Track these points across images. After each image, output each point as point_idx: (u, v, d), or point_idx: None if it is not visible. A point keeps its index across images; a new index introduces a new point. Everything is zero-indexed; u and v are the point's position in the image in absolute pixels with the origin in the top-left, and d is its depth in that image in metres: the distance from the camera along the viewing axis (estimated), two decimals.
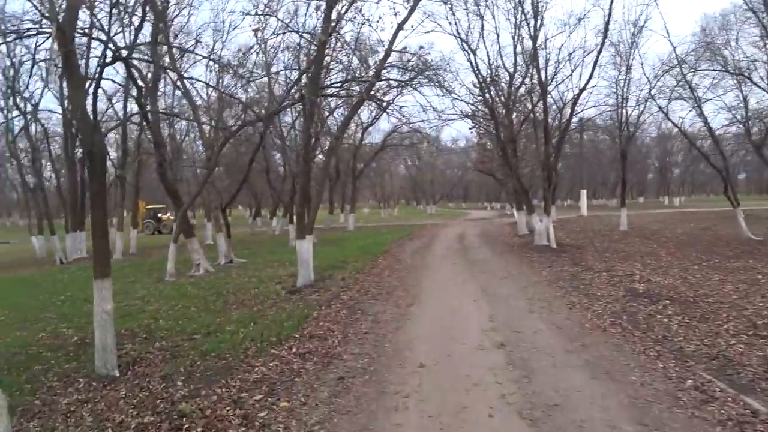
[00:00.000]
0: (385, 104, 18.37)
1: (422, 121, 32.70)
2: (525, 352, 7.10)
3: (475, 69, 21.55)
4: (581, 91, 19.52)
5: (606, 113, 29.28)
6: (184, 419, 5.44)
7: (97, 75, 7.69)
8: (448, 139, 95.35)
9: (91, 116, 7.48)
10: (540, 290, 11.62)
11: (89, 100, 7.38)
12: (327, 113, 27.94)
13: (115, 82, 25.39)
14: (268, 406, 5.69)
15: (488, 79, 21.64)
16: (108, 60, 7.84)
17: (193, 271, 17.91)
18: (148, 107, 16.79)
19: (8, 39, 16.60)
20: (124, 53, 11.73)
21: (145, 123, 18.54)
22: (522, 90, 23.15)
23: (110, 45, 10.57)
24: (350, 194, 43.55)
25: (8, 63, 24.99)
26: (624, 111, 26.02)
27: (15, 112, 26.87)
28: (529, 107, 22.68)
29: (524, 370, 6.43)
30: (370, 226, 42.69)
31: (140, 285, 16.02)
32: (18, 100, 26.46)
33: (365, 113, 38.75)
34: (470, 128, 42.93)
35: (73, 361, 7.99)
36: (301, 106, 23.51)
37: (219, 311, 11.06)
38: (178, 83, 20.27)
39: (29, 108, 27.42)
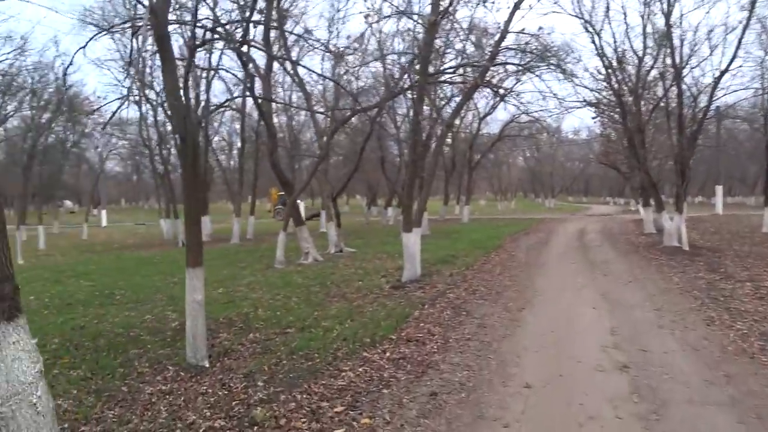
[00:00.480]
0: (501, 91, 17.25)
1: (541, 109, 31.22)
2: (653, 379, 5.93)
3: (600, 52, 19.82)
4: (722, 73, 17.33)
5: (748, 100, 26.19)
6: (255, 428, 4.92)
7: (186, 59, 7.30)
8: (569, 130, 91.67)
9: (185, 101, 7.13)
10: (671, 300, 10.21)
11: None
12: (443, 101, 27.17)
13: (228, 71, 25.94)
14: (348, 421, 5.03)
15: (614, 63, 19.85)
16: (197, 42, 7.50)
17: (301, 260, 17.83)
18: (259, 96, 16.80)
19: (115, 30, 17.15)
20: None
21: (258, 111, 18.56)
22: (652, 74, 21.12)
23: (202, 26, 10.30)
24: (466, 185, 42.41)
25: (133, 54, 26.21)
26: None
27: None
28: (660, 93, 20.62)
29: (652, 403, 5.29)
30: (485, 219, 41.46)
31: (249, 271, 16.11)
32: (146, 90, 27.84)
33: (482, 102, 37.65)
34: (593, 117, 40.73)
35: (168, 347, 7.82)
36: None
37: (318, 304, 10.64)
38: (292, 72, 20.24)
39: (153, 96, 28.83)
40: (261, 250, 22.03)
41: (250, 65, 16.95)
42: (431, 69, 14.23)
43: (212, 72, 24.73)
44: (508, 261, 16.34)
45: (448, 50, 16.00)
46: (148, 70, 26.37)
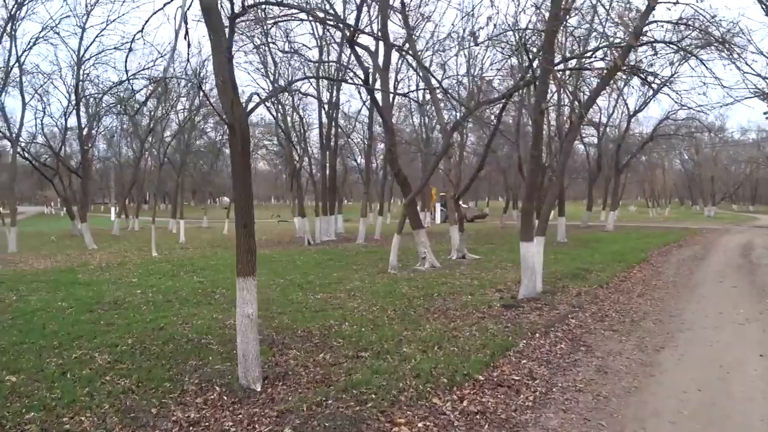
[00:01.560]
0: (650, 78, 14.75)
1: (700, 106, 27.64)
2: None
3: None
4: None
5: None
6: None
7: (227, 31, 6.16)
8: (735, 129, 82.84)
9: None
10: None
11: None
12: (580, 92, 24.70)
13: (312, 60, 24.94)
14: None
15: None
16: (237, 11, 6.33)
17: (418, 265, 16.55)
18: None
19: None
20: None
21: (374, 106, 17.46)
22: None
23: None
24: (612, 190, 38.86)
25: None
26: None
27: None
28: None
29: None
30: (633, 227, 37.75)
31: (360, 275, 15.14)
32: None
33: (632, 99, 34.29)
34: (765, 113, 35.56)
35: (229, 361, 6.89)
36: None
37: (413, 321, 9.23)
38: (414, 64, 18.94)
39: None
40: (382, 252, 20.95)
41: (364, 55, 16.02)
42: (564, 53, 12.35)
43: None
44: (653, 279, 13.91)
45: (588, 30, 13.84)
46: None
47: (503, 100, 15.41)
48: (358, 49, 16.42)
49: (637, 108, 35.16)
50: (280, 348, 7.82)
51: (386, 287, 12.77)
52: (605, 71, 11.54)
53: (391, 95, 18.20)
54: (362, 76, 16.46)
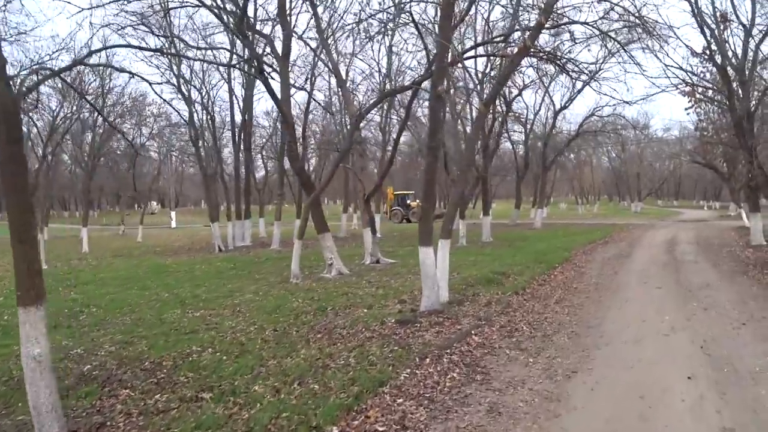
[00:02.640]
0: (569, 66, 13.66)
1: (624, 102, 27.32)
2: None
3: (695, 10, 15.53)
4: None
5: None
6: None
7: None
8: (658, 128, 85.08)
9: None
10: None
11: None
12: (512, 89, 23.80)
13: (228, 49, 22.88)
14: None
15: (719, 20, 15.62)
16: None
17: (324, 273, 15.01)
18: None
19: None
20: None
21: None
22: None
23: None
24: (540, 188, 38.30)
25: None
26: None
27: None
28: None
29: None
30: (561, 224, 37.23)
31: (257, 286, 13.74)
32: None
33: (558, 96, 33.81)
34: (686, 109, 35.73)
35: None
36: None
37: (289, 344, 7.77)
38: (322, 55, 17.35)
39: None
40: (307, 256, 19.30)
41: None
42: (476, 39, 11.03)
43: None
44: (574, 282, 12.77)
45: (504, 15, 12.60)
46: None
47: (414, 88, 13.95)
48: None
49: (563, 104, 34.61)
50: (113, 387, 6.33)
51: (278, 300, 11.28)
52: (515, 53, 10.27)
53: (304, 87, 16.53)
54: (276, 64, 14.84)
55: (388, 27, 11.48)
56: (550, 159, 36.48)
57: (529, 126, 36.53)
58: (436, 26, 11.75)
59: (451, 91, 23.03)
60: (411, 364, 6.50)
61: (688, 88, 19.70)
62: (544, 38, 15.26)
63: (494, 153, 32.46)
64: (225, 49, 21.88)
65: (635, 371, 6.28)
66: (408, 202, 47.96)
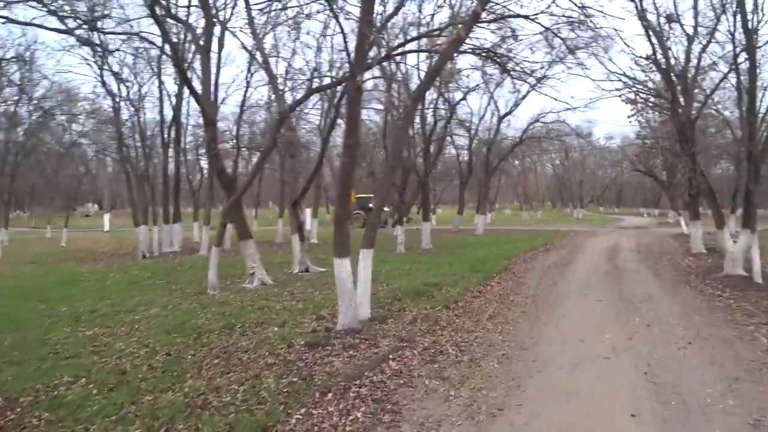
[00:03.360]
0: (510, 66, 12.88)
1: (565, 110, 27.09)
2: None
3: (640, 10, 14.94)
4: None
5: None
6: None
7: None
8: (601, 136, 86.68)
9: None
10: None
11: None
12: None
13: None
14: None
15: (663, 22, 15.11)
16: None
17: (246, 283, 13.78)
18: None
19: None
20: None
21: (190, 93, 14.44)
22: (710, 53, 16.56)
23: None
24: (483, 193, 37.75)
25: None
26: None
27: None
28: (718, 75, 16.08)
29: None
30: (504, 230, 36.68)
31: (169, 298, 12.45)
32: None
33: (502, 102, 33.40)
34: (629, 117, 35.85)
35: None
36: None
37: (179, 373, 6.66)
38: (251, 49, 16.10)
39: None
40: (223, 265, 17.93)
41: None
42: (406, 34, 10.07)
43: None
44: (511, 293, 11.91)
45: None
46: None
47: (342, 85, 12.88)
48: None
49: (507, 110, 34.16)
50: None
51: (184, 316, 10.05)
52: (447, 45, 9.33)
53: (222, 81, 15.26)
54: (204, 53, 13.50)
55: (309, 15, 10.38)
56: (493, 165, 36.01)
57: (473, 131, 36.04)
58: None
59: (395, 89, 22.17)
60: (309, 401, 5.43)
61: (631, 95, 19.36)
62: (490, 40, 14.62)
63: (437, 157, 31.73)
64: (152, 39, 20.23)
65: (571, 407, 5.36)
66: (370, 206, 46.28)
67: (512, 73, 14.12)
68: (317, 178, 19.85)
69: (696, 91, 17.65)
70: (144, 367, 6.93)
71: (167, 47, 15.10)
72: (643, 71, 18.71)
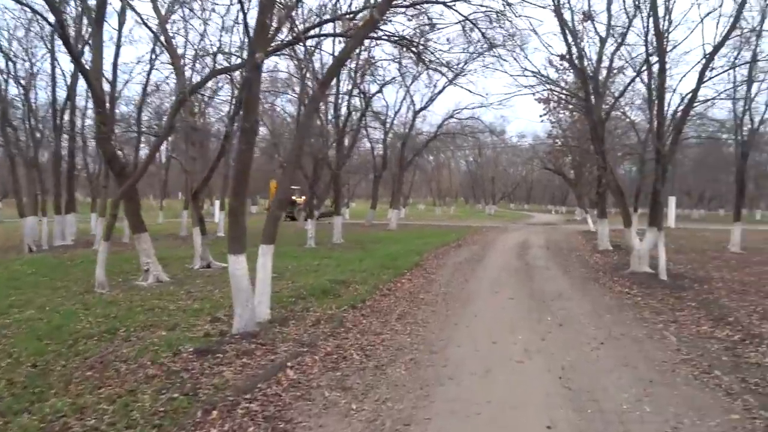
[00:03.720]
0: (425, 56, 12.43)
1: (480, 107, 26.97)
2: None
3: (557, 5, 14.86)
4: (717, 49, 12.85)
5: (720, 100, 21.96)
6: None
7: None
8: (513, 134, 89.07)
9: None
10: (686, 394, 5.56)
11: None
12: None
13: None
14: None
15: (579, 19, 15.19)
16: None
17: (140, 280, 12.73)
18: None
19: None
20: None
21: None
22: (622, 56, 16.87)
23: None
24: (396, 188, 37.51)
25: None
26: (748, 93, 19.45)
27: None
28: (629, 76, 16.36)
29: None
30: (418, 225, 36.63)
31: (52, 297, 11.26)
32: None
33: (418, 96, 33.24)
34: (541, 116, 36.67)
35: None
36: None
37: (46, 388, 5.69)
38: (155, 29, 14.92)
39: None
40: (116, 259, 16.59)
41: None
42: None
43: None
44: (422, 290, 11.50)
45: None
46: None
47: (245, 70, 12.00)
48: None
49: (423, 104, 34.02)
50: None
51: (63, 319, 8.94)
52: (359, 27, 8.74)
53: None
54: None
55: None
56: (407, 159, 35.83)
57: (388, 125, 35.72)
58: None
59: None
60: (189, 422, 4.68)
61: (544, 94, 19.49)
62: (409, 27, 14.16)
63: (351, 150, 31.19)
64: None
65: (483, 420, 4.89)
66: (293, 198, 44.85)
67: (429, 64, 13.72)
68: (219, 167, 18.73)
69: (606, 92, 17.97)
70: (2, 382, 5.95)
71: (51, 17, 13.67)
72: (557, 70, 18.92)
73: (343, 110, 24.68)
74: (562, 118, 35.06)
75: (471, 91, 48.90)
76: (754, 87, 19.25)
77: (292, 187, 45.97)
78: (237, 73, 15.32)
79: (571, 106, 20.41)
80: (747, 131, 20.41)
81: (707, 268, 15.31)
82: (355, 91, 27.24)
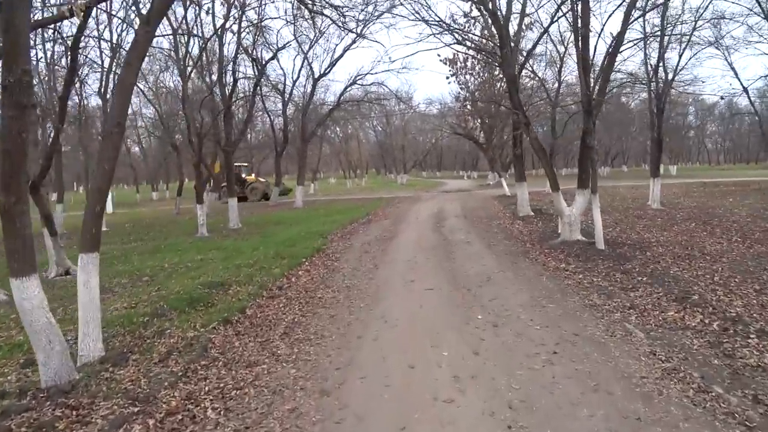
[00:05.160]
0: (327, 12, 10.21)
1: (385, 71, 24.94)
2: None
3: None
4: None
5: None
6: None
7: None
8: (421, 102, 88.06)
9: None
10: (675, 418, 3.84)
11: None
12: None
13: None
14: None
15: None
16: None
17: None
18: None
19: None
20: None
21: None
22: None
23: None
24: (301, 162, 34.88)
25: None
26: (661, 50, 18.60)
27: None
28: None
29: None
30: (326, 201, 34.38)
31: None
32: None
33: (317, 63, 30.83)
34: (448, 78, 35.05)
35: None
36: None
37: None
38: None
39: None
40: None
41: None
42: None
43: None
44: (320, 287, 9.37)
45: None
46: None
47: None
48: None
49: (322, 71, 31.45)
50: None
51: None
52: None
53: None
54: None
55: None
56: (310, 131, 33.37)
57: (287, 95, 33.09)
58: None
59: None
60: None
61: (450, 55, 17.76)
62: None
63: (247, 125, 28.50)
64: None
65: None
66: (243, 176, 40.79)
67: (335, 20, 11.51)
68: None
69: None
70: None
71: None
72: (467, 19, 17.18)
73: (229, 78, 21.89)
74: (469, 80, 33.74)
75: (377, 42, 46.64)
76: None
77: (241, 164, 42.03)
78: None
79: (480, 59, 18.69)
80: (662, 83, 19.54)
81: (637, 229, 14.06)
82: (245, 58, 24.68)
